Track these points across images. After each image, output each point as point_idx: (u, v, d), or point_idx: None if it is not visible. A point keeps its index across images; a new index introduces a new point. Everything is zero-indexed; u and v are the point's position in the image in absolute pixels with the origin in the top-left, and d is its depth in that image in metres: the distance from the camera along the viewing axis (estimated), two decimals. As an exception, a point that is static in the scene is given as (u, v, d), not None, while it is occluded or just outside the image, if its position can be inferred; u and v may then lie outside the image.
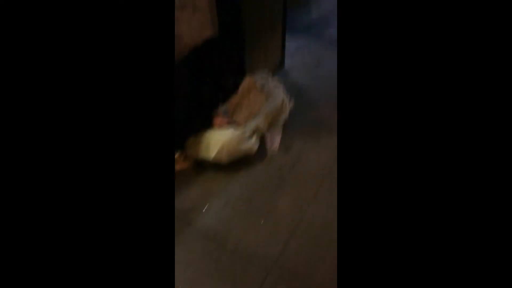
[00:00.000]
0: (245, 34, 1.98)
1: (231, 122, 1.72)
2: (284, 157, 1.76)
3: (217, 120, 1.70)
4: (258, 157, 1.77)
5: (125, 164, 0.50)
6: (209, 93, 1.73)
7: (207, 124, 1.71)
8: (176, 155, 1.75)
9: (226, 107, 1.74)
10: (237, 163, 1.70)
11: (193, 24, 1.78)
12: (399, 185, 0.50)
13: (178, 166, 1.77)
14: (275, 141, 1.75)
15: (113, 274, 0.49)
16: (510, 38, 0.44)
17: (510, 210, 0.45)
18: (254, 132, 1.75)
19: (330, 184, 1.60)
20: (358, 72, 0.52)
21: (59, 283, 0.48)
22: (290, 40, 2.48)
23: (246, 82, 1.81)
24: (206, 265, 1.33)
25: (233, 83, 1.84)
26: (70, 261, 0.48)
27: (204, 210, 1.53)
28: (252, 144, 1.69)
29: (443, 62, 0.48)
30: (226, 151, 1.61)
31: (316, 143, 1.84)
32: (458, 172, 0.47)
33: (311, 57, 2.58)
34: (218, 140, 1.61)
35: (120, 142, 0.50)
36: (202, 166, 1.73)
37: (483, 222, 0.46)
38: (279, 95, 1.89)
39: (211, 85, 1.73)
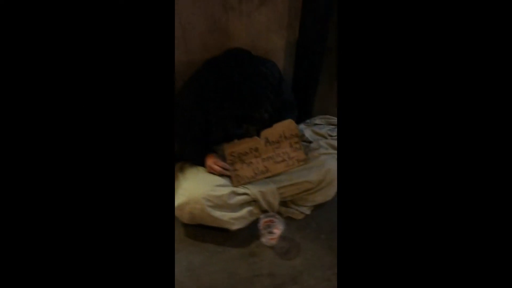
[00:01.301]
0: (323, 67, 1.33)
1: (230, 172, 1.14)
2: (274, 264, 1.08)
3: (209, 160, 1.15)
4: (240, 240, 1.14)
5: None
6: (226, 119, 1.17)
7: (201, 158, 1.18)
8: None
9: (228, 149, 1.15)
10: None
11: (256, 23, 1.25)
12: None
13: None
14: (273, 231, 1.08)
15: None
16: (510, 38, 0.44)
17: (510, 210, 0.45)
18: (251, 202, 1.13)
19: None
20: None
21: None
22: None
23: (282, 125, 1.18)
24: None
25: (268, 119, 1.22)
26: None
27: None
28: (237, 217, 1.08)
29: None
30: (189, 210, 1.05)
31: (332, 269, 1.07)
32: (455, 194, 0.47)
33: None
34: (186, 190, 1.06)
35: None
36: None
37: (481, 224, 0.46)
38: (326, 165, 1.17)
39: (235, 107, 1.15)
